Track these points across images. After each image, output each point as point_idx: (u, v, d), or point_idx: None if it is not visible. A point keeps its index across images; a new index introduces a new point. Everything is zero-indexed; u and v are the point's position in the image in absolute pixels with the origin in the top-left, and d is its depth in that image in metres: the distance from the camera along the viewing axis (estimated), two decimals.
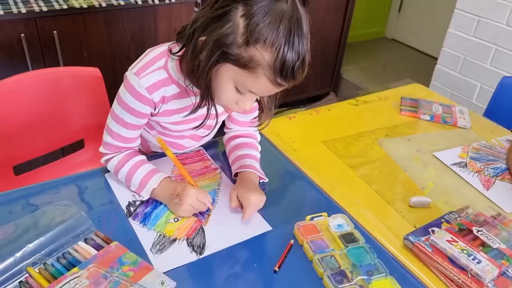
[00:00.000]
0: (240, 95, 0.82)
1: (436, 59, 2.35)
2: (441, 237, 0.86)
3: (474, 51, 2.14)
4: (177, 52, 0.86)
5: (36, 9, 1.62)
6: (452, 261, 0.82)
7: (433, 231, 0.89)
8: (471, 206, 0.98)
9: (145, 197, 0.93)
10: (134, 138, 0.96)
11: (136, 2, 1.81)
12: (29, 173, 1.36)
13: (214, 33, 0.75)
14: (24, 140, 1.28)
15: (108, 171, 1.00)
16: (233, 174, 1.03)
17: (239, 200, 0.93)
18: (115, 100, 0.92)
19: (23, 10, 1.60)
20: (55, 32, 1.68)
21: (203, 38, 0.77)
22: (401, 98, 1.44)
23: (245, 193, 0.91)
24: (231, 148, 1.07)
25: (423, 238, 0.87)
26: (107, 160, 0.97)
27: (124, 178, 0.95)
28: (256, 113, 1.00)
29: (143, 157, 0.98)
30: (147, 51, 0.92)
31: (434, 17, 3.41)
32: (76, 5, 1.70)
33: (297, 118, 1.30)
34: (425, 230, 0.90)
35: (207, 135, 1.05)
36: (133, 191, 0.96)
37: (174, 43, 0.89)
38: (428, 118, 1.35)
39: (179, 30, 0.88)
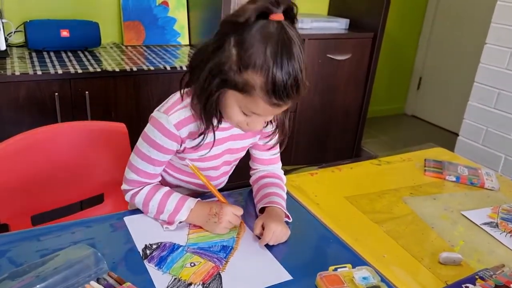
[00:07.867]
0: (247, 117, 0.87)
1: (457, 135, 2.34)
2: None
3: (496, 123, 2.13)
4: (187, 87, 0.92)
5: (72, 71, 1.72)
6: None
7: (467, 287, 0.83)
8: (507, 265, 0.91)
9: (182, 218, 0.95)
10: (158, 174, 1.00)
11: (165, 68, 1.91)
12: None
13: (212, 63, 0.83)
14: (45, 191, 1.28)
15: (127, 215, 0.99)
16: (258, 209, 1.03)
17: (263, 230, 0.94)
18: (140, 140, 0.97)
19: (60, 71, 1.70)
20: (87, 92, 1.76)
21: (205, 70, 0.84)
22: (425, 159, 1.42)
23: (271, 223, 0.93)
24: (259, 187, 1.09)
25: None
26: (134, 194, 0.99)
27: (157, 205, 0.96)
28: (275, 150, 1.07)
29: (169, 188, 1.01)
30: (172, 95, 0.97)
31: (453, 93, 3.46)
32: (109, 68, 1.80)
33: (319, 175, 1.28)
34: (458, 286, 0.83)
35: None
36: (164, 221, 0.96)
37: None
38: (454, 179, 1.31)
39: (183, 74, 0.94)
